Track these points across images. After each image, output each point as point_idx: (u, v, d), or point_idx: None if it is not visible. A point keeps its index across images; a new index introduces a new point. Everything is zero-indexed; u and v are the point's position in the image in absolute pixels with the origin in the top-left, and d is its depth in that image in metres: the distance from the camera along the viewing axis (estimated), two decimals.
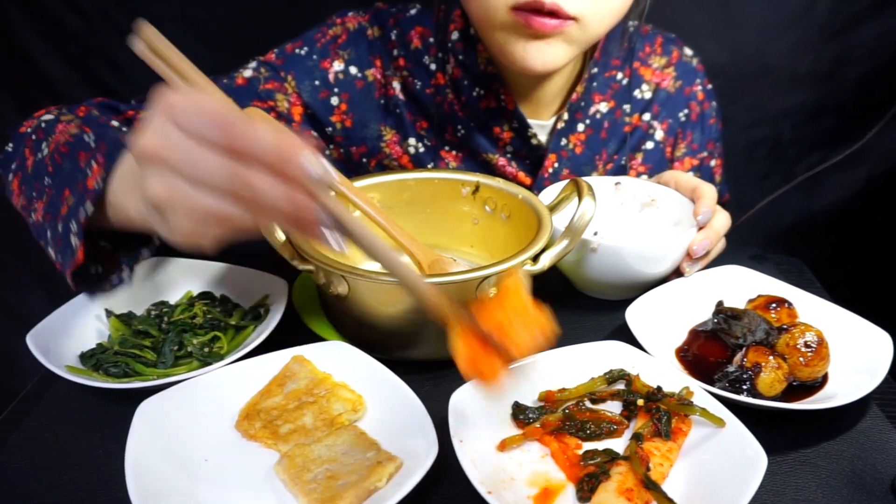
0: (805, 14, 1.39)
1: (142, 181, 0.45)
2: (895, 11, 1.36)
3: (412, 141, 0.99)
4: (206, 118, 0.42)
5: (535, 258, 0.68)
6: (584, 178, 0.75)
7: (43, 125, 0.76)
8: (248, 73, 0.93)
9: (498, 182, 0.81)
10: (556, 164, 0.99)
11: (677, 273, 0.81)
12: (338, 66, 0.95)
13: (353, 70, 0.96)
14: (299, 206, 0.43)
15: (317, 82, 0.95)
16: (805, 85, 1.46)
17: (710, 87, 1.09)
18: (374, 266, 0.83)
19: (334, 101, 0.96)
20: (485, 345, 0.52)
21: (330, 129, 0.97)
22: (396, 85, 0.97)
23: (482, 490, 0.52)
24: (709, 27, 1.41)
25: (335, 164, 1.00)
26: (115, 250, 0.70)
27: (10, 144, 0.80)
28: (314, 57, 0.95)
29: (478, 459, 0.56)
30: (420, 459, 0.54)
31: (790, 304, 0.74)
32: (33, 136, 0.76)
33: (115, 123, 0.79)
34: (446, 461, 0.55)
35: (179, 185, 0.43)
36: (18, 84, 1.44)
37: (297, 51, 0.95)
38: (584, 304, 0.83)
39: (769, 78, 1.46)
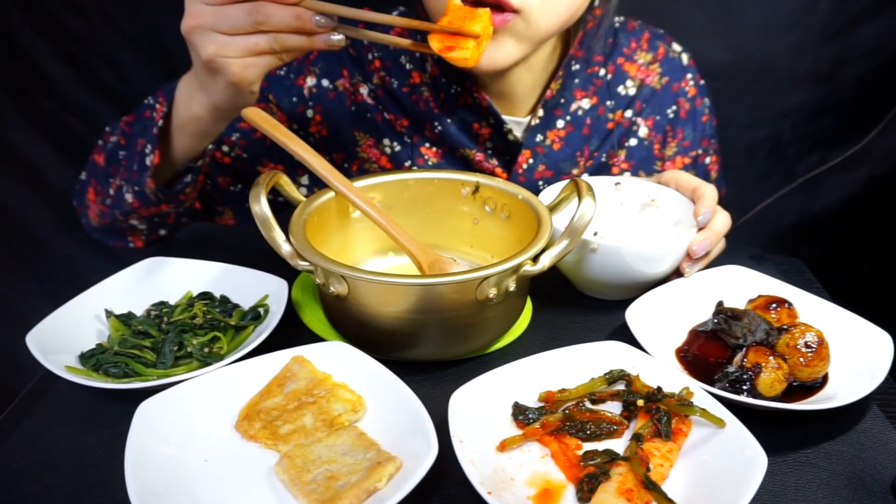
0: (805, 14, 1.39)
1: (195, 57, 0.69)
2: (895, 11, 1.36)
3: (386, 141, 1.02)
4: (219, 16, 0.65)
5: (535, 258, 0.68)
6: (584, 178, 0.75)
7: (108, 129, 0.94)
8: None
9: (498, 182, 0.81)
10: (530, 160, 1.00)
11: (677, 273, 0.81)
12: (311, 81, 1.02)
13: (324, 83, 1.02)
14: (300, 15, 0.65)
15: (294, 98, 1.02)
16: (805, 85, 1.46)
17: (702, 82, 1.08)
18: (374, 266, 0.84)
19: (309, 113, 1.02)
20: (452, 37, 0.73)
21: (311, 139, 1.02)
22: (364, 91, 1.02)
23: (482, 491, 0.52)
24: (709, 27, 1.41)
25: None
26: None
27: (83, 173, 0.96)
28: (291, 76, 1.02)
29: (478, 460, 0.56)
30: (420, 460, 0.54)
31: (790, 304, 0.74)
32: (99, 142, 0.94)
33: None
34: (446, 461, 0.55)
35: (219, 39, 0.66)
36: (18, 84, 1.44)
37: (278, 72, 1.03)
38: (584, 304, 0.83)
39: (769, 78, 1.46)
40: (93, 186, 0.95)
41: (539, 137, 1.00)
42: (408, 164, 1.02)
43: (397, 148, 1.02)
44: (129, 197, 0.86)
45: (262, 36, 0.66)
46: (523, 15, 0.80)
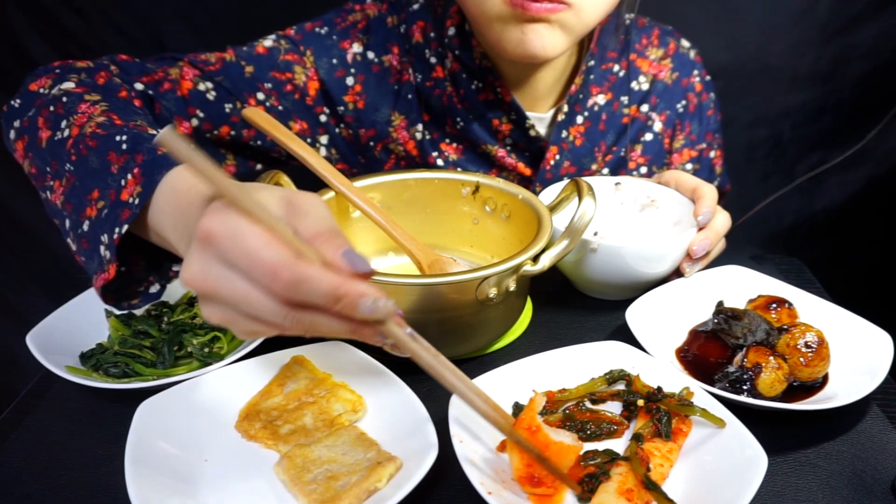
0: (805, 14, 1.39)
1: (200, 306, 0.46)
2: (895, 11, 1.36)
3: (419, 127, 1.00)
4: (255, 265, 0.42)
5: (535, 258, 0.68)
6: (584, 178, 0.75)
7: (64, 99, 0.73)
8: (268, 42, 0.94)
9: (498, 182, 0.81)
10: (557, 157, 1.00)
11: (677, 273, 0.81)
12: (357, 48, 0.97)
13: (370, 55, 0.98)
14: (362, 335, 0.45)
15: (334, 61, 0.96)
16: (805, 85, 1.46)
17: (708, 78, 1.08)
18: (374, 266, 0.83)
19: (349, 81, 0.97)
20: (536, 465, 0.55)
21: (342, 108, 0.98)
22: (411, 71, 0.99)
23: (482, 490, 0.52)
24: (710, 27, 1.41)
25: (342, 144, 1.01)
26: (146, 265, 0.67)
27: (18, 99, 0.78)
28: (334, 37, 0.97)
29: (477, 460, 0.56)
30: (420, 460, 0.54)
31: (790, 304, 0.74)
32: (50, 108, 0.73)
33: (139, 104, 0.79)
34: (446, 461, 0.55)
35: (234, 316, 0.45)
36: (19, 84, 1.44)
37: (316, 29, 0.97)
38: (584, 304, 0.83)
39: (770, 78, 1.46)
40: (23, 140, 0.75)
41: (564, 133, 1.00)
42: (434, 154, 1.01)
43: (427, 136, 1.01)
44: (70, 242, 0.67)
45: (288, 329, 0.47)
46: (573, 7, 0.80)
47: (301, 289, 0.41)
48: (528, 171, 1.01)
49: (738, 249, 0.88)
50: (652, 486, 0.54)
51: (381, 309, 0.43)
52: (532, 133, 0.98)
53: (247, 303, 0.43)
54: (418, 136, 1.00)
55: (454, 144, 1.01)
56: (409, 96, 0.99)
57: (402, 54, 0.98)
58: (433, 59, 0.98)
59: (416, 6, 0.99)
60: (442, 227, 0.85)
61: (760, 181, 1.54)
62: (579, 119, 1.00)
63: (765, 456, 0.54)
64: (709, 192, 0.81)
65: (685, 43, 1.07)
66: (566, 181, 0.77)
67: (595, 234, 0.88)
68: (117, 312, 0.74)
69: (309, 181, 1.07)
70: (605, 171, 1.03)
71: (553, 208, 0.76)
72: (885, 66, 1.41)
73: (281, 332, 0.45)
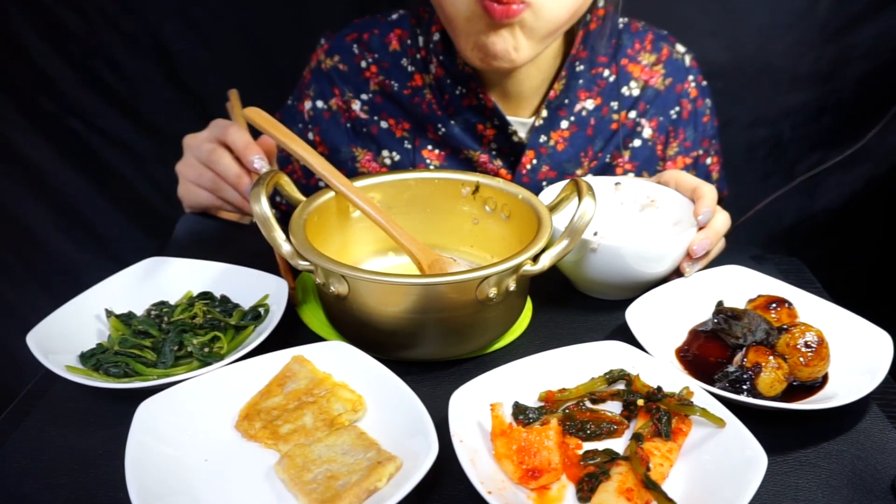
0: (805, 14, 1.39)
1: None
2: (895, 11, 1.36)
3: (385, 153, 1.03)
4: (200, 143, 0.85)
5: (535, 258, 0.68)
6: (584, 178, 0.75)
7: None
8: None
9: (498, 182, 0.81)
10: (534, 161, 1.00)
11: (677, 273, 0.81)
12: (308, 104, 1.05)
13: (319, 104, 1.05)
14: (240, 177, 0.82)
15: (300, 125, 1.05)
16: (805, 85, 1.46)
17: (704, 83, 1.08)
18: (374, 266, 0.84)
19: (311, 136, 1.05)
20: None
21: None
22: (356, 106, 1.03)
23: (482, 490, 0.52)
24: (709, 27, 1.41)
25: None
26: None
27: None
28: (294, 102, 1.07)
29: (478, 459, 0.56)
30: (420, 459, 0.54)
31: (790, 304, 0.74)
32: None
33: None
34: (446, 461, 0.55)
35: (188, 186, 0.89)
36: (19, 84, 1.44)
37: (288, 102, 1.08)
38: (584, 304, 0.83)
39: (770, 78, 1.46)
40: None
41: (543, 138, 1.00)
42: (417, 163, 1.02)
43: (397, 157, 1.03)
44: None
45: (208, 172, 0.84)
46: (532, 7, 0.80)
47: (228, 136, 0.82)
48: (508, 177, 1.02)
49: (738, 249, 0.88)
50: (652, 486, 0.54)
51: (261, 163, 0.81)
52: (514, 138, 0.99)
53: (186, 165, 0.87)
54: (388, 161, 1.04)
55: (437, 151, 1.02)
56: (364, 130, 1.03)
57: (342, 93, 1.03)
58: (410, 68, 0.99)
59: (395, 16, 1.02)
60: (442, 227, 0.85)
61: (760, 181, 1.54)
62: (564, 124, 1.00)
63: (764, 456, 0.54)
64: (709, 191, 0.81)
65: (680, 48, 1.06)
66: (566, 181, 0.77)
67: (595, 234, 0.88)
68: (117, 312, 0.74)
69: (309, 181, 1.07)
70: (588, 176, 1.03)
71: (553, 208, 0.76)
72: (885, 66, 1.41)
73: (198, 175, 0.86)
